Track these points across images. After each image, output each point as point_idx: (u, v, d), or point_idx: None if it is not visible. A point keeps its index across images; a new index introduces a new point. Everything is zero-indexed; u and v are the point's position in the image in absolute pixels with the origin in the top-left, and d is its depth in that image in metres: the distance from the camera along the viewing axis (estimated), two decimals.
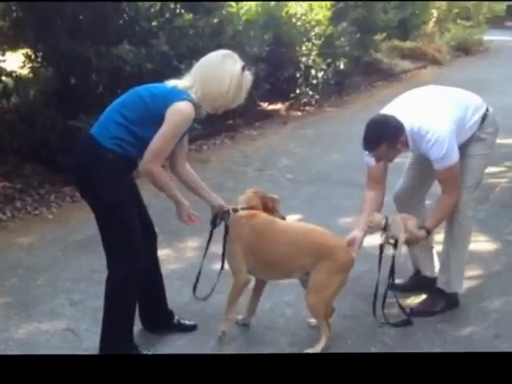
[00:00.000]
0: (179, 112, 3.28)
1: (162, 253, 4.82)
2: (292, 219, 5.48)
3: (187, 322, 3.96)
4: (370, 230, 3.84)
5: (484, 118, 3.99)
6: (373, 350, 3.71)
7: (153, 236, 3.77)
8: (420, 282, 4.39)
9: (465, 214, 4.02)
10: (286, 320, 4.06)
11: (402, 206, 4.19)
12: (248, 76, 3.43)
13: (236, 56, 3.45)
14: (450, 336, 3.91)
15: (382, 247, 3.90)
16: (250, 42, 8.69)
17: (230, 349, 3.73)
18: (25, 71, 7.20)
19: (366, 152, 3.87)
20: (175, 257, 4.99)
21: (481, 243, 5.24)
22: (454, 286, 4.16)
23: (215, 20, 7.94)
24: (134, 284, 3.51)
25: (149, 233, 3.70)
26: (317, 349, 3.63)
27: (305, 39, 10.26)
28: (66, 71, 7.03)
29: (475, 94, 4.12)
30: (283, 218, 3.89)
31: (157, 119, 3.28)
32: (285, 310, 4.18)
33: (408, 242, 3.91)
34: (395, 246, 3.83)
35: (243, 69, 3.38)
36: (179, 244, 5.20)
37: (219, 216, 3.75)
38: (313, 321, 3.87)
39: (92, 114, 6.20)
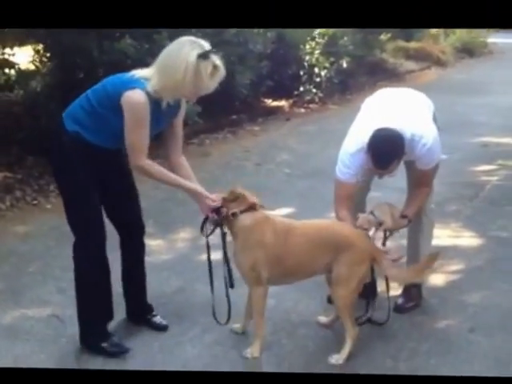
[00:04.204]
0: (128, 101, 3.23)
1: (155, 243, 4.97)
2: (285, 212, 5.60)
3: (158, 321, 3.90)
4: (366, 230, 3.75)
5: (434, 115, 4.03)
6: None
7: (139, 229, 3.78)
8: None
9: (430, 209, 4.19)
10: (268, 311, 3.90)
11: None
12: (209, 63, 3.21)
13: (197, 43, 3.26)
14: (426, 328, 3.95)
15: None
16: (253, 39, 8.77)
17: (214, 341, 3.79)
18: (31, 65, 7.30)
19: (348, 170, 3.79)
20: (167, 247, 5.08)
21: (465, 239, 5.31)
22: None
23: None
24: (94, 268, 3.54)
25: (135, 225, 3.75)
26: (343, 354, 3.59)
27: (308, 38, 10.34)
28: (68, 64, 7.12)
29: None
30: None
31: (114, 105, 3.26)
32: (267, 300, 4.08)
33: (390, 229, 3.86)
34: (377, 228, 3.77)
35: (203, 56, 3.20)
36: (172, 235, 5.28)
37: (212, 221, 3.56)
38: (322, 318, 3.94)
39: None
